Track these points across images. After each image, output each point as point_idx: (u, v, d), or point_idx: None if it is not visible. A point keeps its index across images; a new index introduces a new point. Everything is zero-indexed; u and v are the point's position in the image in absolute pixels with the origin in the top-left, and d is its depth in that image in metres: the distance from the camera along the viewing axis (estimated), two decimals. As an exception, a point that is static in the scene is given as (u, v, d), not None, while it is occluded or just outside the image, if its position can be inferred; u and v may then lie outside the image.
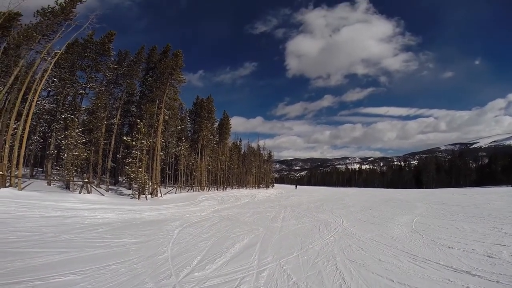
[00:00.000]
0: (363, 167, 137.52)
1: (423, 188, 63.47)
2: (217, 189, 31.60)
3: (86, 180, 16.21)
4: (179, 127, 27.23)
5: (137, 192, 16.63)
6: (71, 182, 16.10)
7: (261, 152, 50.66)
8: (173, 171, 28.69)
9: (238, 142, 43.86)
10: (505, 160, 66.74)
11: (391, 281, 3.66)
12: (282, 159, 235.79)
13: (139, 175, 16.73)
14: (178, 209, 12.47)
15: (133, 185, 18.23)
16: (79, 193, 14.55)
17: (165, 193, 20.30)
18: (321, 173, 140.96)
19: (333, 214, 11.67)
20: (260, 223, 8.99)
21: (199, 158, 29.75)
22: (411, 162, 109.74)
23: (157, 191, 18.95)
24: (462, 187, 56.24)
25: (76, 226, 7.00)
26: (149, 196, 17.66)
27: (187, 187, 27.36)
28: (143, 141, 17.70)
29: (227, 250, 5.47)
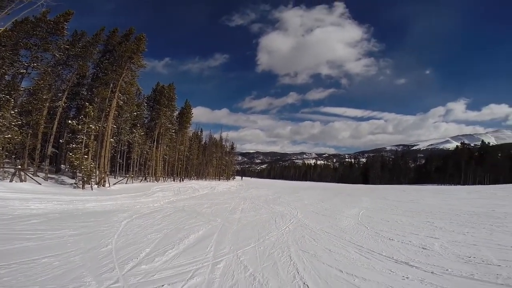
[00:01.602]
0: (318, 162, 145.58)
1: (369, 184, 69.66)
2: (174, 180, 30.41)
3: (19, 166, 14.11)
4: (135, 113, 25.36)
5: (81, 182, 15.03)
6: (0, 169, 13.86)
7: (224, 143, 50.03)
8: (125, 160, 26.69)
9: (199, 132, 42.69)
10: (439, 161, 76.74)
11: (340, 272, 3.84)
12: (244, 151, 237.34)
13: (84, 163, 15.12)
14: (128, 200, 11.63)
15: (77, 173, 16.44)
16: (10, 181, 12.61)
17: (115, 183, 18.78)
18: (280, 167, 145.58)
19: (289, 206, 12.06)
20: (218, 214, 8.85)
21: (154, 146, 28.14)
22: (361, 160, 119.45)
23: (105, 181, 17.40)
24: (402, 184, 63.16)
25: (2, 218, 6.03)
26: (96, 186, 16.12)
27: (140, 177, 25.82)
28: (91, 126, 15.97)
29: (180, 241, 5.25)
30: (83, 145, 15.72)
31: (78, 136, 15.98)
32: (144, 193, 14.60)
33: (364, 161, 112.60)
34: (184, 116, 34.17)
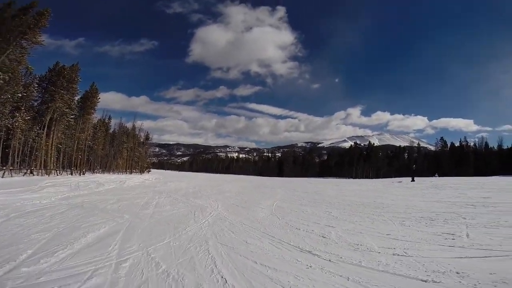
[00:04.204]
0: (241, 156, 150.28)
1: (284, 176, 76.48)
2: (72, 174, 25.64)
3: None
4: (19, 95, 20.06)
5: None
6: None
7: (137, 133, 45.04)
8: (1, 149, 20.79)
9: (107, 119, 37.20)
10: (337, 158, 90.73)
11: (255, 263, 3.98)
12: (163, 142, 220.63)
13: None
14: (4, 196, 9.12)
15: None
16: None
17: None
18: (203, 160, 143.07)
19: (210, 199, 11.91)
20: (126, 211, 7.91)
21: (44, 133, 22.95)
22: (277, 154, 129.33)
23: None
24: (309, 177, 71.73)
25: None
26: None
27: (25, 170, 20.74)
28: None
29: (75, 241, 4.53)
30: None
31: None
32: (29, 188, 11.76)
33: (280, 155, 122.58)
34: (89, 100, 29.61)
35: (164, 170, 77.42)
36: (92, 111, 30.64)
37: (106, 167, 35.25)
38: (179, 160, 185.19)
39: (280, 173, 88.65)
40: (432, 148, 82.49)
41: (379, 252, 4.52)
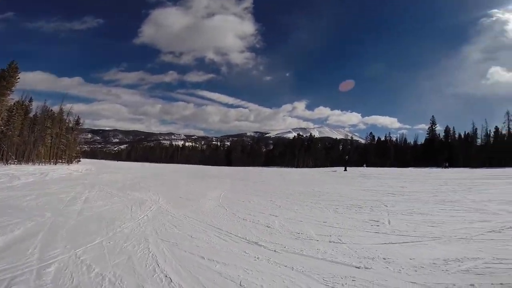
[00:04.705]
0: (187, 144, 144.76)
1: (232, 166, 76.90)
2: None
3: None
4: None
5: None
6: None
7: (65, 117, 38.97)
8: None
9: (28, 101, 31.37)
10: (282, 148, 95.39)
11: (202, 258, 3.88)
12: (97, 128, 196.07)
13: None
14: None
15: None
16: None
17: None
18: (143, 148, 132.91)
19: (150, 191, 11.17)
20: (48, 208, 6.85)
21: None
22: (225, 143, 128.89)
23: None
24: (257, 166, 73.74)
25: None
26: None
27: None
28: None
29: None
30: None
31: None
32: None
33: (228, 144, 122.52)
34: (5, 80, 25.04)
35: (97, 160, 69.43)
36: (8, 92, 26.00)
37: (24, 157, 29.76)
38: (115, 148, 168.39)
39: (229, 162, 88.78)
40: (363, 141, 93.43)
41: (318, 240, 4.86)
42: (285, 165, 76.91)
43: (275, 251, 4.30)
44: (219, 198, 10.00)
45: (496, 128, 50.44)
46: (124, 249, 4.16)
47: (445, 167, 36.62)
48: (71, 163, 38.26)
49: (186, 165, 60.92)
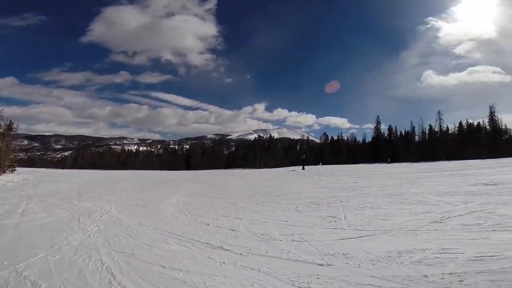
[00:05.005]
0: (141, 148, 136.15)
1: (192, 169, 74.58)
2: None
3: None
4: None
5: None
6: None
7: (-6, 122, 33.29)
8: None
9: None
10: (244, 149, 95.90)
11: (163, 268, 3.70)
12: (35, 134, 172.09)
13: None
14: None
15: None
16: None
17: None
18: (91, 154, 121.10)
19: (100, 200, 10.26)
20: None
21: None
22: (184, 146, 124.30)
23: None
24: (218, 168, 72.73)
25: None
26: None
27: None
28: None
29: None
30: None
31: None
32: None
33: (187, 147, 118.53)
34: None
35: (37, 169, 61.12)
36: None
37: None
38: (58, 155, 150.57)
39: (188, 166, 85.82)
40: (318, 141, 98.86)
41: (281, 240, 4.96)
42: (247, 166, 77.33)
43: (241, 254, 4.28)
44: (179, 203, 9.59)
45: (430, 126, 58.48)
46: (74, 263, 3.80)
47: (388, 162, 41.03)
48: (4, 173, 32.92)
49: (141, 171, 57.19)
